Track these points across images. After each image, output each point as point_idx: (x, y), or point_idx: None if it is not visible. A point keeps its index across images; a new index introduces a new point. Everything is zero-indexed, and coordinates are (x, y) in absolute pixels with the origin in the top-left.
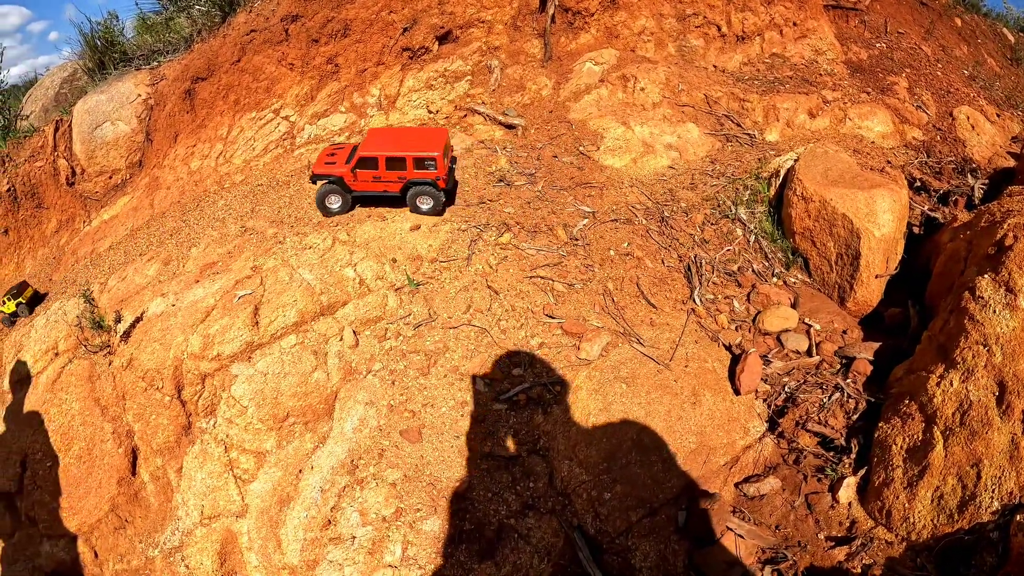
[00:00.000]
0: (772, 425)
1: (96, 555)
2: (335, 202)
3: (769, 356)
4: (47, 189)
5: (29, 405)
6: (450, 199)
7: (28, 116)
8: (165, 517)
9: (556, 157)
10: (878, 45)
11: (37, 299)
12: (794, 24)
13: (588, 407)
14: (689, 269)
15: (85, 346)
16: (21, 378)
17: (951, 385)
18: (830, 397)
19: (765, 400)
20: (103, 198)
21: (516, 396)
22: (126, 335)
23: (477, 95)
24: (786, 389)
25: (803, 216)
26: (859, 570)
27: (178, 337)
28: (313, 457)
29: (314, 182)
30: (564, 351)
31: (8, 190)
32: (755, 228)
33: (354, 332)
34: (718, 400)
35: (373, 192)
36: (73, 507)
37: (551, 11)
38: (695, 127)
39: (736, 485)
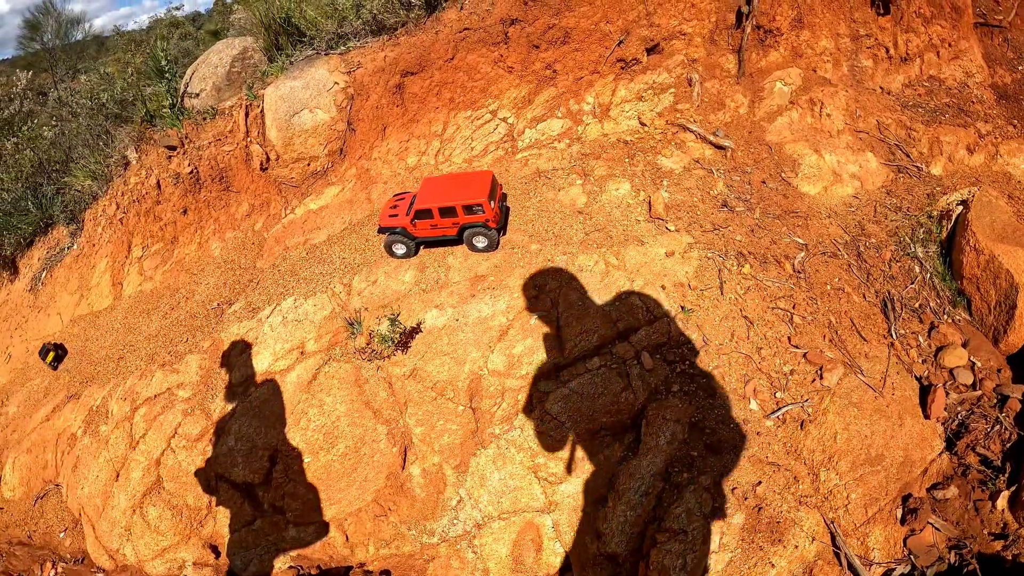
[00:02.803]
0: (949, 444)
1: (347, 538)
2: (400, 249)
3: (946, 388)
4: (237, 173)
5: (277, 403)
6: (502, 229)
7: (198, 94)
8: (435, 507)
9: (764, 183)
10: (1020, 68)
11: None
12: (948, 45)
13: (835, 426)
14: (885, 305)
15: (357, 352)
16: (252, 373)
17: None
18: (992, 428)
19: (943, 424)
20: (301, 184)
21: (782, 415)
22: (403, 345)
23: (684, 111)
24: (959, 417)
25: (973, 265)
26: (1010, 558)
27: (472, 352)
28: (628, 464)
29: (381, 233)
30: (808, 377)
31: (191, 172)
32: (930, 267)
33: (649, 356)
34: (915, 423)
35: (434, 237)
36: (331, 498)
37: (748, 29)
38: (872, 156)
39: (927, 490)
